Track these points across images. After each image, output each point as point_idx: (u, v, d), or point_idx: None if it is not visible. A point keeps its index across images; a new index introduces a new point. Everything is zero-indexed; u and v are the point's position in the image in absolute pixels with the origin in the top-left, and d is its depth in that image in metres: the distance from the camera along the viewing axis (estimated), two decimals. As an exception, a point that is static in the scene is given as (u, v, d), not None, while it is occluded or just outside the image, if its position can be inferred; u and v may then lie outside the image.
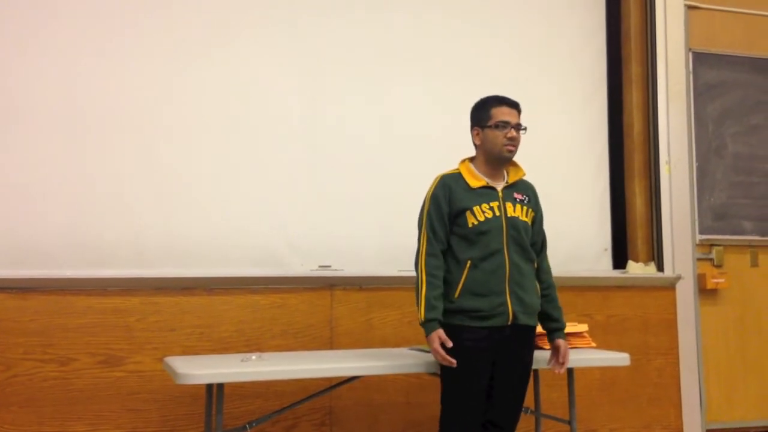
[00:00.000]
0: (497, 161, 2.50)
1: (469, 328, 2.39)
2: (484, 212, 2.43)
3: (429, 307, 2.37)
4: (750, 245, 4.10)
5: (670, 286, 3.84)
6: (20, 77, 3.10)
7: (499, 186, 2.50)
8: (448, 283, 2.46)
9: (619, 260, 3.98)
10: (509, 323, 2.41)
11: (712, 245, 4.03)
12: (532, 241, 2.55)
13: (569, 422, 2.89)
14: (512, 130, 2.46)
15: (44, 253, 3.04)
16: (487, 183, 2.49)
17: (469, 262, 2.42)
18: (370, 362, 2.59)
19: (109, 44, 3.22)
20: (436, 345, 2.34)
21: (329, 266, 3.38)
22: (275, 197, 3.36)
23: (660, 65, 4.00)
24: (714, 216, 4.05)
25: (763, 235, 4.11)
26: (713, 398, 3.91)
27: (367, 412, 3.25)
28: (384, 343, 3.30)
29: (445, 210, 2.46)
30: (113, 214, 3.14)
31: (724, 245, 4.04)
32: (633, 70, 4.05)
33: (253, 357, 2.62)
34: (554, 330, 2.57)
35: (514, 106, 2.53)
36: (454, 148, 3.62)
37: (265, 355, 2.75)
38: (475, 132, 2.54)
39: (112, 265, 3.10)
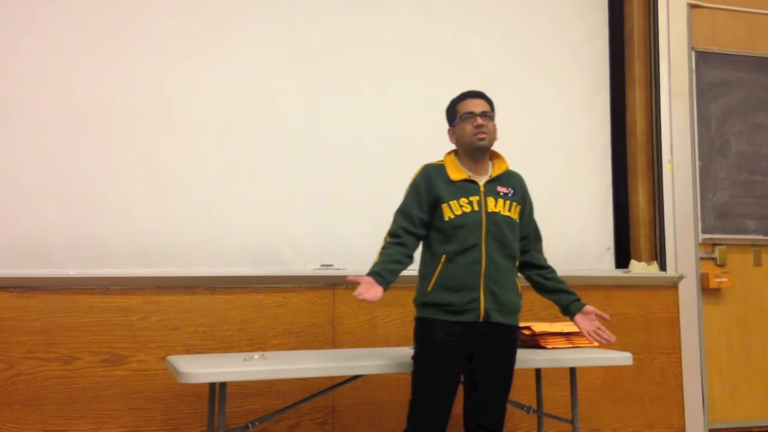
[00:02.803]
0: (474, 152, 2.46)
1: (440, 321, 2.36)
2: (461, 206, 2.40)
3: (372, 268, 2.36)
4: (753, 244, 4.09)
5: (672, 285, 3.84)
6: (18, 76, 3.10)
7: (482, 180, 2.46)
8: (423, 277, 2.45)
9: (622, 259, 3.98)
10: (481, 320, 2.36)
11: (714, 244, 4.02)
12: (522, 234, 2.51)
13: (572, 421, 2.90)
14: (478, 118, 2.44)
15: (44, 254, 3.05)
16: (469, 176, 2.46)
17: (444, 256, 2.38)
18: (373, 361, 2.59)
19: (108, 43, 3.22)
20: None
21: (331, 265, 3.38)
22: (277, 196, 3.36)
23: (663, 64, 3.99)
24: (717, 215, 4.04)
25: (766, 234, 4.10)
26: (716, 397, 3.91)
27: (369, 411, 3.25)
28: (386, 342, 3.31)
29: (425, 198, 2.44)
30: (114, 213, 3.15)
31: (726, 244, 4.04)
32: (636, 70, 4.04)
33: (256, 356, 2.62)
34: (575, 300, 2.52)
35: (478, 95, 2.51)
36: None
37: (268, 354, 2.75)
38: (450, 132, 2.55)
39: (114, 265, 3.11)
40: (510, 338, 2.46)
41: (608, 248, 3.96)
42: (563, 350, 2.92)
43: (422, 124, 3.57)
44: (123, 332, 3.01)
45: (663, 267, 3.89)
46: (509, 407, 3.22)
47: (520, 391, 3.36)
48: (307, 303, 3.25)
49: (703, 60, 4.10)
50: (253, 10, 3.44)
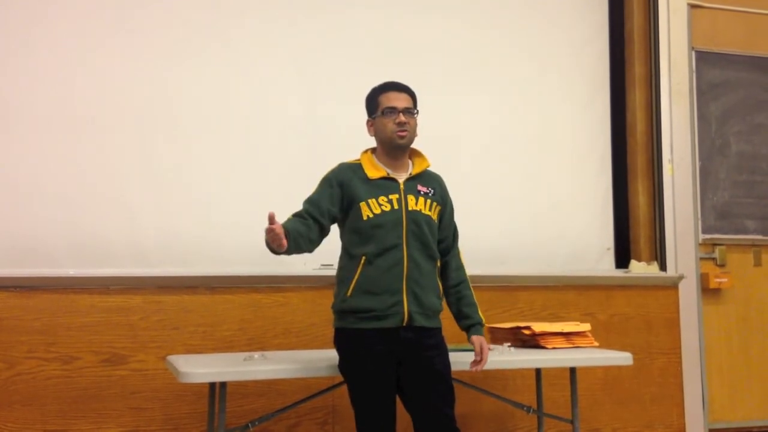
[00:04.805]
0: (393, 149, 2.37)
1: (361, 331, 2.27)
2: (380, 205, 2.30)
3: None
4: (753, 244, 4.09)
5: (672, 285, 3.84)
6: (19, 75, 3.10)
7: (402, 177, 2.37)
8: (341, 281, 2.36)
9: (622, 259, 3.98)
10: (404, 324, 2.25)
11: (714, 244, 4.02)
12: (441, 236, 2.42)
13: (572, 421, 2.90)
14: (401, 114, 2.34)
15: (45, 253, 3.05)
16: (388, 174, 2.37)
17: (363, 258, 2.28)
18: (373, 361, 2.58)
19: (108, 43, 3.22)
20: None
21: (331, 265, 3.36)
22: (277, 195, 3.34)
23: (663, 65, 4.00)
24: (717, 215, 4.04)
25: (765, 234, 4.11)
26: (716, 398, 3.91)
27: (369, 411, 3.25)
28: (386, 342, 3.30)
29: (338, 193, 2.34)
30: (114, 213, 3.15)
31: (726, 244, 4.04)
32: (636, 70, 4.05)
33: (256, 356, 2.62)
34: (469, 327, 2.41)
35: (402, 89, 2.41)
36: (455, 146, 3.64)
37: (268, 353, 2.76)
38: (369, 123, 2.45)
39: (114, 265, 3.11)
40: (435, 342, 2.34)
41: (608, 248, 3.96)
42: (563, 350, 2.92)
43: (422, 123, 3.57)
44: (123, 332, 3.01)
45: (663, 267, 3.89)
46: (509, 408, 3.25)
47: (520, 391, 3.38)
48: (307, 303, 3.25)
49: (703, 60, 4.10)
50: (253, 10, 3.44)
